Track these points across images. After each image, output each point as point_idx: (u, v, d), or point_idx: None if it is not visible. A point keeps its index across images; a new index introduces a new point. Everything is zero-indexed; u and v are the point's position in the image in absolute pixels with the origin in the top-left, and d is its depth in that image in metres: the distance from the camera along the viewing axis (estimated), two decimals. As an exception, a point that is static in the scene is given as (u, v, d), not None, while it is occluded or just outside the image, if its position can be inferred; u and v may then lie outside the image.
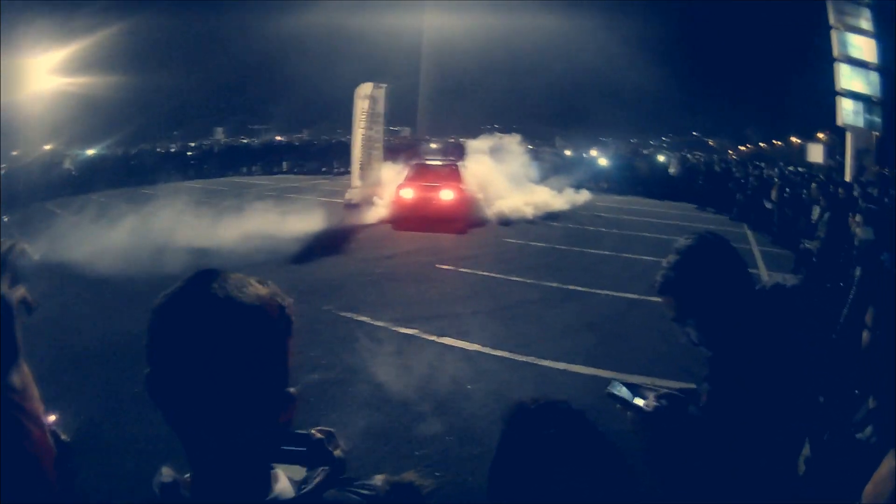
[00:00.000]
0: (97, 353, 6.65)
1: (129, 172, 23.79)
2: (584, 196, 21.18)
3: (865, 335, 1.88)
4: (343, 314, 8.28)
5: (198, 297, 1.00)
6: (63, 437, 2.00)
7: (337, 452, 1.25)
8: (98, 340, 6.98)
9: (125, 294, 8.26)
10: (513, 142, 21.75)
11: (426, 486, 1.22)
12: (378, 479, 1.18)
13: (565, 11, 40.51)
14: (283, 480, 1.12)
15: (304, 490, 1.10)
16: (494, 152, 20.45)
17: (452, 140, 33.80)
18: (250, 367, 0.99)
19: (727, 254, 1.96)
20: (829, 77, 21.62)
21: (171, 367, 0.99)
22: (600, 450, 1.16)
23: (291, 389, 1.07)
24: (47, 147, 24.57)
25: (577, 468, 1.12)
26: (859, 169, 20.14)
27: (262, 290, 1.04)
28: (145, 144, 27.98)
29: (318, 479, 1.12)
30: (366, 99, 18.19)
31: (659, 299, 2.04)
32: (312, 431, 1.24)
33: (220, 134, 35.54)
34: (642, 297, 9.15)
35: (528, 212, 17.72)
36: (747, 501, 1.72)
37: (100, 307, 8.31)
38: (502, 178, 19.05)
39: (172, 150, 28.98)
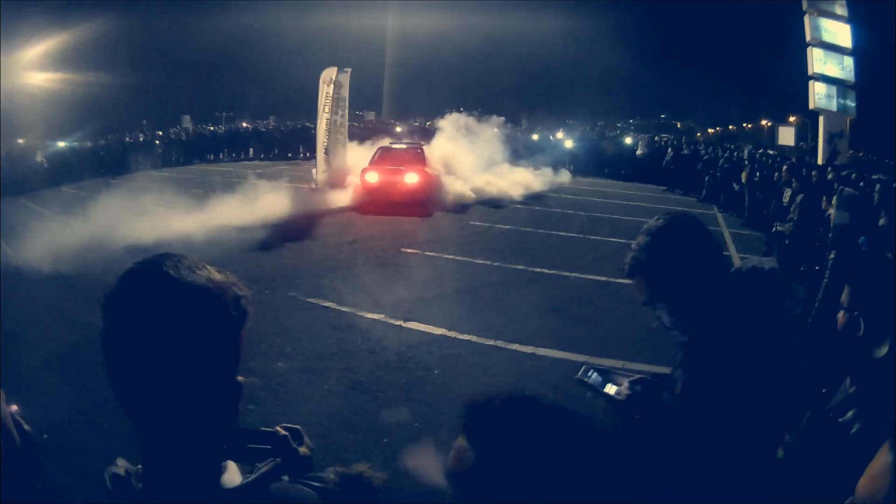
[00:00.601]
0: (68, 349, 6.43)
1: (98, 163, 23.97)
2: (563, 177, 21.44)
3: (841, 315, 1.83)
4: (308, 300, 8.16)
5: (149, 276, 1.00)
6: (26, 427, 1.92)
7: (303, 450, 1.22)
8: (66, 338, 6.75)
9: (93, 289, 7.99)
10: (484, 123, 21.75)
11: (377, 478, 1.22)
12: (329, 472, 1.19)
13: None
14: (233, 470, 1.12)
15: (248, 479, 1.10)
16: (463, 133, 20.42)
17: (417, 123, 33.62)
18: (197, 350, 0.98)
19: (699, 234, 1.87)
20: (802, 61, 21.85)
21: (121, 347, 0.98)
22: (579, 444, 1.09)
23: (240, 378, 1.06)
24: (20, 141, 24.26)
25: (556, 464, 1.05)
26: (832, 152, 20.50)
27: (215, 275, 1.04)
28: (113, 135, 27.68)
29: (264, 469, 1.11)
30: (330, 84, 17.96)
31: (628, 281, 1.96)
32: (277, 429, 1.21)
33: (187, 122, 34.95)
34: (610, 280, 9.18)
35: (498, 193, 17.74)
36: (726, 490, 1.66)
37: (68, 302, 8.00)
38: (471, 160, 19.03)
39: (141, 139, 28.60)
